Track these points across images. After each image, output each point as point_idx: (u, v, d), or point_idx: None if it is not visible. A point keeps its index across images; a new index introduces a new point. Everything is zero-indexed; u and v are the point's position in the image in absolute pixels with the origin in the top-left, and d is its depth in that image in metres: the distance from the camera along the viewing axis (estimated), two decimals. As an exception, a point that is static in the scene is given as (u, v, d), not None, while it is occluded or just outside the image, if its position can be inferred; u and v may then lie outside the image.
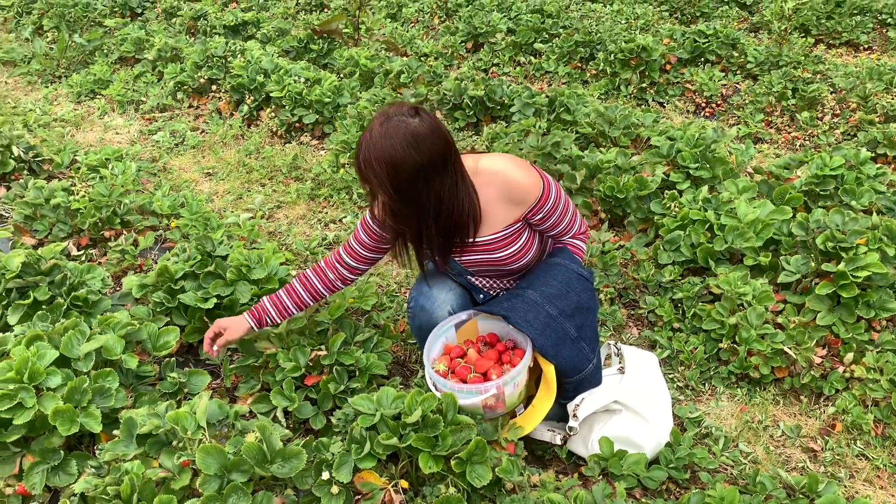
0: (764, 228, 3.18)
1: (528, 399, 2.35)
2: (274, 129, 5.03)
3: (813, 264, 2.97)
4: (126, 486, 1.92)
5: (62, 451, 2.15)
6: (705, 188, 3.45)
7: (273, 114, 5.08)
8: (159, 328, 2.64)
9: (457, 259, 2.38)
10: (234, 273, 2.89)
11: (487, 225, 2.28)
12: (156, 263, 3.33)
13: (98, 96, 5.82)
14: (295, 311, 2.49)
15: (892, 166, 4.29)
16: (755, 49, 5.82)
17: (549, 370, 2.24)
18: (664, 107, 5.46)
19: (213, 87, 5.54)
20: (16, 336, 2.41)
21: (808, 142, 4.79)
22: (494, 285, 2.52)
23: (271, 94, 5.06)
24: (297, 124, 4.99)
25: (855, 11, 7.00)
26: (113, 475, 1.97)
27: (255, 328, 2.48)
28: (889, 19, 6.95)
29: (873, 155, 4.30)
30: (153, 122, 5.38)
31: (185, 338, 2.84)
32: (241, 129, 5.11)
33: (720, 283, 2.98)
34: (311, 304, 2.50)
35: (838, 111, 4.99)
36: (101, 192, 3.76)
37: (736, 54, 5.83)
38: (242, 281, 2.89)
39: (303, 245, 3.69)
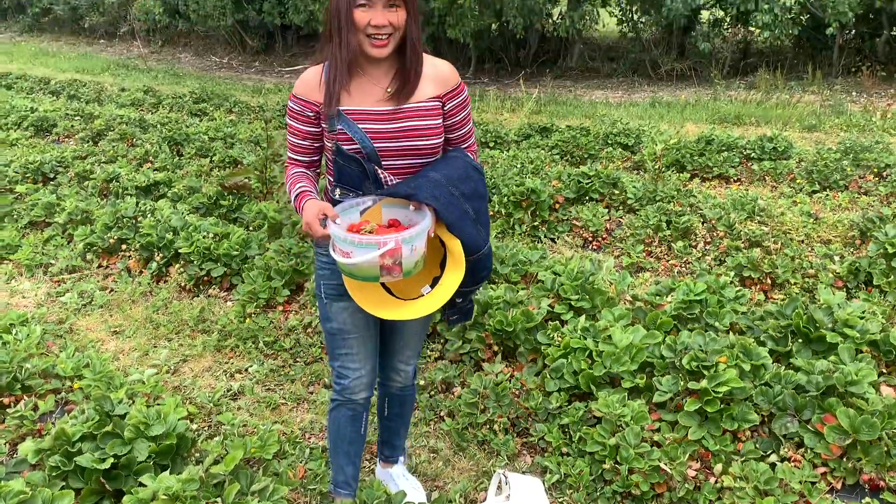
0: (638, 352, 3.46)
1: (434, 281, 2.45)
2: (182, 284, 5.16)
3: (682, 383, 3.24)
4: None
5: None
6: (583, 318, 3.75)
7: (182, 269, 5.23)
8: (53, 493, 2.64)
9: (379, 144, 2.45)
10: (132, 431, 2.95)
11: (417, 94, 2.46)
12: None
13: (4, 262, 5.86)
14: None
15: (758, 287, 4.73)
16: (634, 186, 6.40)
17: (454, 245, 2.38)
18: (555, 242, 5.87)
19: (123, 247, 5.67)
20: None
21: (684, 268, 5.23)
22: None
23: (180, 250, 5.23)
24: (205, 278, 5.14)
25: (723, 148, 7.80)
26: None
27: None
28: (752, 154, 7.76)
29: (740, 278, 4.75)
30: (62, 283, 5.43)
31: (81, 501, 2.83)
32: (150, 286, 5.22)
33: (600, 406, 3.21)
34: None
35: (709, 239, 5.49)
36: (2, 358, 3.77)
37: (617, 192, 6.39)
38: (140, 438, 2.95)
39: (207, 397, 3.76)
